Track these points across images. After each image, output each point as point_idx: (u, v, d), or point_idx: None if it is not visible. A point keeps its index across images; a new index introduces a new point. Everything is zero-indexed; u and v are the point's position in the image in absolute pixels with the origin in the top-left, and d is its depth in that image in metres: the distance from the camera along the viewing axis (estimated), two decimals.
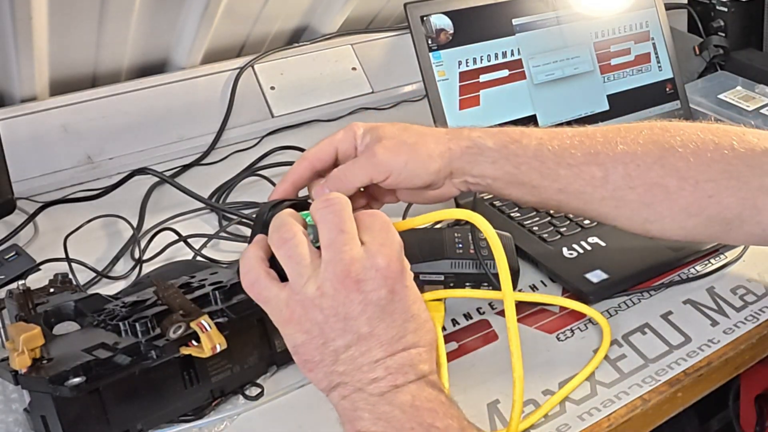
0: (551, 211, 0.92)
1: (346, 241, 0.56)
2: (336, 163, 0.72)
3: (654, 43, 1.13)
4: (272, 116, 1.24)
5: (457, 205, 0.93)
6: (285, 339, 0.58)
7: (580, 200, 0.73)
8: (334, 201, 0.58)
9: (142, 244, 0.93)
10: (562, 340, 0.76)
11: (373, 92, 1.32)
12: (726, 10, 1.28)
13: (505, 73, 1.02)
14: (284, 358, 0.72)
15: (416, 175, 0.70)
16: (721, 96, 1.19)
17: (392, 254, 0.57)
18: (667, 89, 1.14)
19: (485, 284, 0.76)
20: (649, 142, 0.72)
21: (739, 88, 1.21)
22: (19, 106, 1.10)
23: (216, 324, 0.63)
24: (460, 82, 0.98)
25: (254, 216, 0.76)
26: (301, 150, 1.13)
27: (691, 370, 0.72)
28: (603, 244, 0.87)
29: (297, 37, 1.36)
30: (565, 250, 0.86)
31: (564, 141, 0.72)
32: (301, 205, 0.72)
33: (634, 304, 0.80)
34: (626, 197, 0.71)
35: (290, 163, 1.10)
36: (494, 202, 0.95)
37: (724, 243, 0.86)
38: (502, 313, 0.68)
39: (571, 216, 0.91)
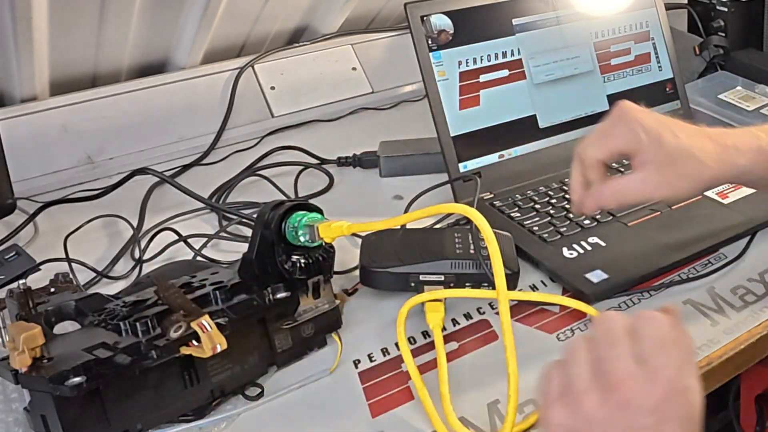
0: (551, 211, 0.92)
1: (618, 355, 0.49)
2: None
3: (654, 43, 1.13)
4: (272, 116, 1.24)
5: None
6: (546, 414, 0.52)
7: None
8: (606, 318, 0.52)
9: (142, 244, 0.93)
10: (562, 340, 0.76)
11: (373, 92, 1.32)
12: (726, 10, 1.28)
13: (505, 73, 1.02)
14: (284, 359, 0.72)
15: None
16: (721, 96, 1.19)
17: (669, 377, 0.48)
18: (667, 89, 1.14)
19: (485, 284, 0.77)
20: None
21: (739, 88, 1.21)
22: (19, 106, 1.10)
23: (216, 324, 0.63)
24: (460, 82, 0.98)
25: (255, 216, 0.76)
26: (301, 150, 1.14)
27: None
28: (603, 244, 0.87)
29: (297, 37, 1.36)
30: (565, 250, 0.86)
31: None
32: (302, 205, 0.72)
33: (634, 304, 0.80)
34: None
35: (290, 163, 1.11)
36: (494, 203, 0.95)
37: None
38: None
39: (571, 216, 0.91)
